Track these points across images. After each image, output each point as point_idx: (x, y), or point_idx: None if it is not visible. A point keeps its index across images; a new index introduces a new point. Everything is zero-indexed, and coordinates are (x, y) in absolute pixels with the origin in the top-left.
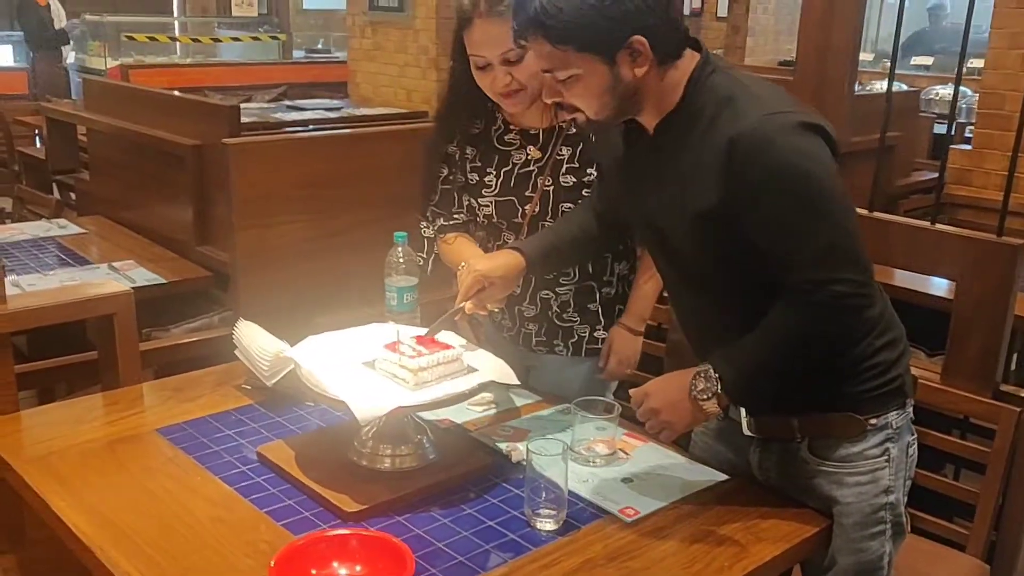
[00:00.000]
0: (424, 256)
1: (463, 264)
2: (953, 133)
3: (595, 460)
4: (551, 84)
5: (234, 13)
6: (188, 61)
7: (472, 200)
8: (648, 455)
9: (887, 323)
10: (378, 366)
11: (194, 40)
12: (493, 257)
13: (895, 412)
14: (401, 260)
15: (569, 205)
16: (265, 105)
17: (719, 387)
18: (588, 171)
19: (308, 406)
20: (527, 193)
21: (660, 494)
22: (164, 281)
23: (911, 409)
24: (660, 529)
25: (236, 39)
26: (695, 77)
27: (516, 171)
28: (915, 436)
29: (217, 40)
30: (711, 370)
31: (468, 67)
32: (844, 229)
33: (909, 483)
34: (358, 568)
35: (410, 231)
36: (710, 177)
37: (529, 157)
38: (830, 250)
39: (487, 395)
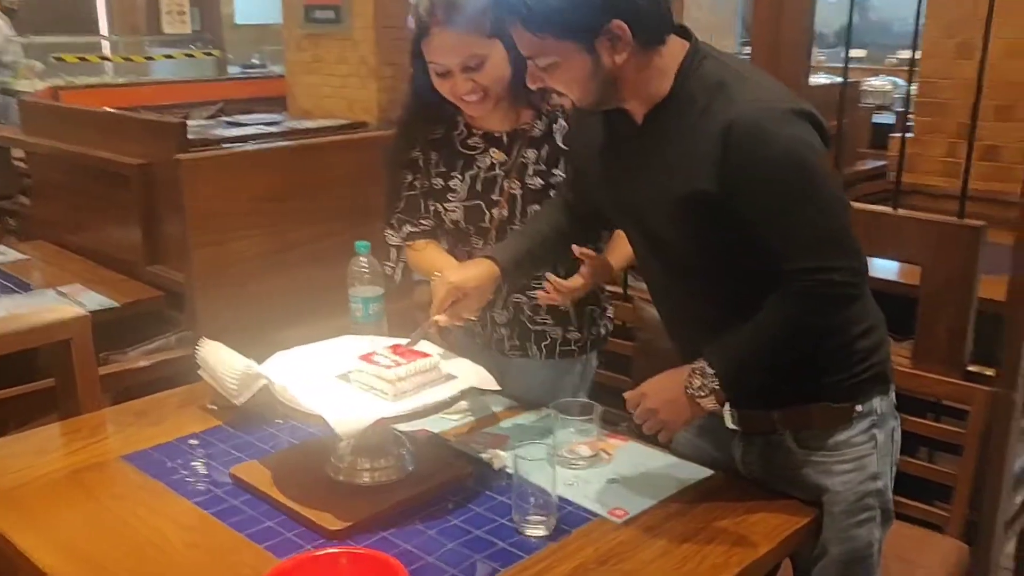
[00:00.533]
0: (392, 264)
1: (436, 274)
2: (896, 122)
3: (578, 462)
4: (533, 70)
5: (165, 30)
6: (121, 81)
7: (438, 206)
8: (630, 454)
9: (866, 310)
10: (353, 378)
11: (126, 59)
12: (466, 267)
13: (878, 398)
14: (365, 270)
15: (537, 207)
16: (203, 122)
17: (716, 383)
18: (554, 172)
19: (278, 423)
20: (494, 197)
21: (647, 493)
22: (116, 304)
23: (893, 394)
24: (650, 529)
25: (169, 56)
26: (685, 65)
27: (482, 175)
28: (898, 420)
29: (150, 58)
30: (706, 366)
31: (427, 73)
32: (839, 217)
33: (895, 468)
34: None
35: (370, 240)
36: (704, 164)
37: (493, 160)
38: (826, 238)
39: (463, 403)
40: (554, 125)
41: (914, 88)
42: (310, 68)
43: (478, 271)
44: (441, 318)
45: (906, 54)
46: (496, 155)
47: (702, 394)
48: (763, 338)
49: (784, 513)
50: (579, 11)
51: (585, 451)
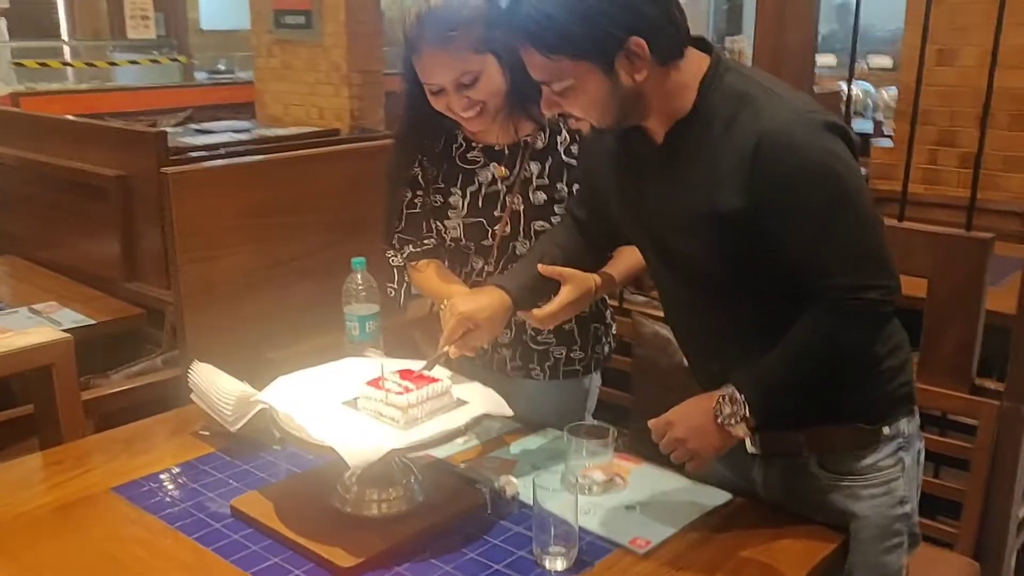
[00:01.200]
0: (395, 287)
1: (444, 303)
2: (875, 129)
3: (593, 487)
4: (549, 96)
5: (129, 36)
6: (84, 87)
7: (438, 223)
8: (645, 478)
9: (892, 328)
10: (361, 405)
11: (89, 64)
12: (476, 296)
13: (905, 419)
14: (360, 287)
15: (541, 223)
16: (171, 130)
17: (747, 410)
18: (558, 186)
19: (275, 450)
20: (496, 213)
21: (667, 520)
22: (93, 322)
23: (918, 415)
24: (676, 559)
25: (134, 62)
26: (708, 79)
27: (483, 191)
28: (923, 442)
29: (113, 64)
30: (736, 392)
31: (420, 88)
32: (875, 234)
33: (918, 491)
34: None
35: (363, 255)
36: (733, 179)
37: (495, 176)
38: (864, 255)
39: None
40: (557, 137)
41: (878, 94)
42: (279, 75)
43: (489, 301)
44: (451, 349)
45: (879, 60)
46: (497, 170)
47: (732, 422)
48: (795, 360)
49: (810, 539)
50: (594, 29)
51: (599, 476)
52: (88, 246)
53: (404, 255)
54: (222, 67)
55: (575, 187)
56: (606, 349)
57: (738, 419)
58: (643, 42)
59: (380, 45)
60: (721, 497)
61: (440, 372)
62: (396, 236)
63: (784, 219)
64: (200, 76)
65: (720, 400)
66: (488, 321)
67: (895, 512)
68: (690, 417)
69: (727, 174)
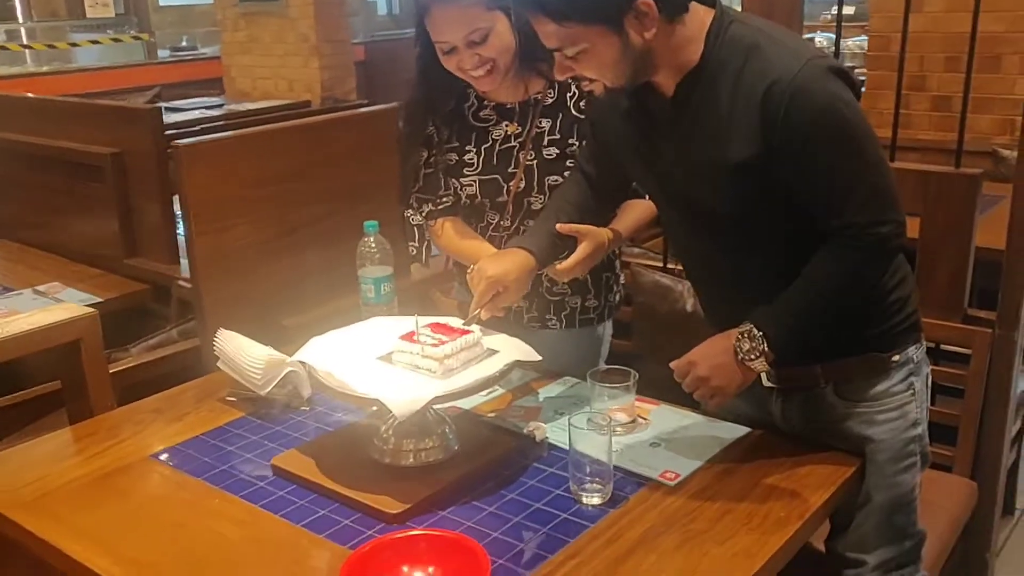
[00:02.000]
0: (416, 245)
1: (472, 268)
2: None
3: (617, 429)
4: (561, 61)
5: (88, 15)
6: (46, 69)
7: (454, 181)
8: (666, 417)
9: (898, 261)
10: (396, 359)
11: (49, 46)
12: (502, 259)
13: (914, 346)
14: (374, 250)
15: (555, 178)
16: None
17: (765, 344)
18: (570, 141)
19: (303, 411)
20: (510, 170)
21: (692, 454)
22: (99, 299)
23: (924, 342)
24: (706, 489)
25: (95, 42)
26: (714, 31)
27: (497, 148)
28: (929, 368)
29: (75, 45)
30: (754, 329)
31: (433, 50)
32: (884, 172)
33: (927, 414)
34: (431, 570)
35: (375, 218)
36: (746, 128)
37: (508, 132)
38: (874, 193)
39: None
40: (567, 93)
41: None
42: (246, 48)
43: (516, 263)
44: (482, 312)
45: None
46: (510, 127)
47: (752, 357)
48: (812, 295)
49: (830, 464)
50: None
51: (623, 417)
52: (84, 225)
53: (423, 214)
54: (184, 43)
55: (583, 143)
56: (616, 298)
57: (757, 354)
58: (651, 1)
59: (347, 15)
60: (740, 431)
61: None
62: (414, 196)
63: (796, 163)
64: (163, 54)
65: (739, 337)
66: (516, 283)
67: (909, 434)
68: (711, 356)
69: (738, 123)
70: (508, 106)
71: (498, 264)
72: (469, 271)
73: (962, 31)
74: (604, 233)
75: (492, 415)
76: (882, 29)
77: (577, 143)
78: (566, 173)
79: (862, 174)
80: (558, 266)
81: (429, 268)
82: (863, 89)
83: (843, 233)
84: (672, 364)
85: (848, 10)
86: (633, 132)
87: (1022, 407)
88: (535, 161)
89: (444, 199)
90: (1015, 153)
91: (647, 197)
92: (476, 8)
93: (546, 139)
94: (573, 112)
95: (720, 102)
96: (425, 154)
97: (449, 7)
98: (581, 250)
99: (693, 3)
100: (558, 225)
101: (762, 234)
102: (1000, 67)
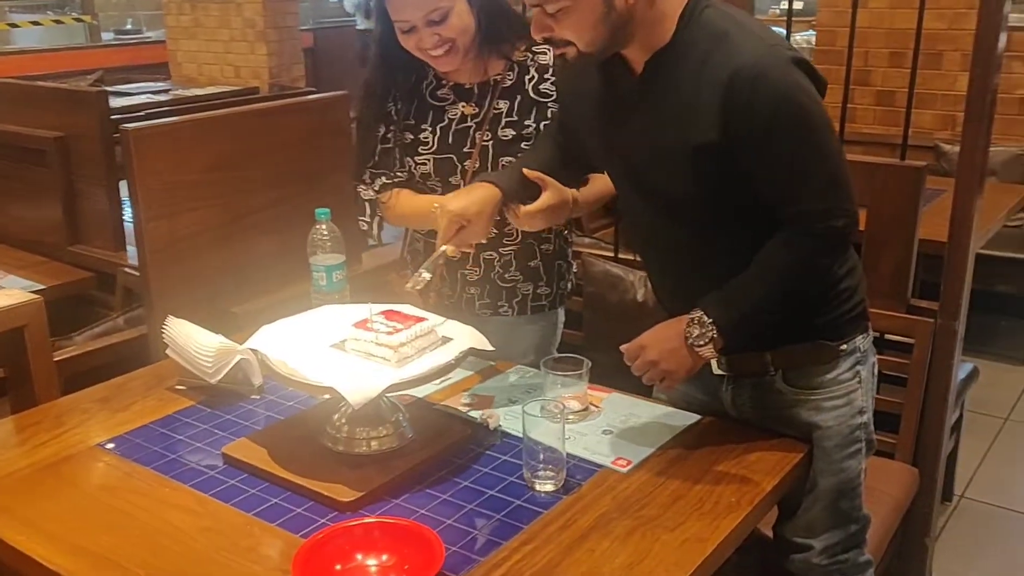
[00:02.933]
0: (367, 219)
1: (436, 206)
2: None
3: (570, 416)
4: (540, 18)
5: None
6: None
7: (408, 159)
8: (617, 405)
9: (849, 251)
10: (350, 347)
11: None
12: (466, 193)
13: (861, 336)
14: (326, 237)
15: (509, 159)
16: (82, 87)
17: (714, 331)
18: (527, 123)
19: (254, 399)
20: (465, 150)
21: (644, 441)
22: (42, 287)
23: (871, 332)
24: (658, 475)
25: (36, 23)
26: (688, 12)
27: (453, 127)
28: (876, 357)
29: (14, 25)
30: (703, 315)
31: (392, 28)
32: (840, 163)
33: (873, 402)
34: (384, 558)
35: (326, 205)
36: (708, 113)
37: (464, 113)
38: (830, 182)
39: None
40: (525, 76)
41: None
42: (190, 33)
43: (480, 196)
44: (449, 248)
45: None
46: (467, 108)
47: (701, 343)
48: (765, 282)
49: (779, 450)
50: None
51: (575, 405)
52: (26, 211)
53: (376, 188)
54: (129, 26)
55: (544, 123)
56: (569, 285)
57: (706, 340)
58: None
59: (296, 1)
60: (691, 418)
61: (417, 312)
62: (367, 171)
63: (756, 150)
64: (106, 36)
65: (690, 323)
66: (479, 216)
67: (855, 422)
68: (662, 341)
69: (701, 108)
70: (467, 87)
71: (461, 198)
72: (433, 209)
73: (906, 27)
74: (568, 191)
75: (445, 403)
76: (829, 23)
77: (534, 125)
78: (520, 155)
79: (819, 163)
80: (521, 209)
81: (381, 244)
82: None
83: (797, 220)
84: (622, 347)
85: (797, 5)
86: (600, 109)
87: (961, 395)
88: (491, 142)
89: (399, 174)
90: (956, 148)
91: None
92: None
93: (503, 120)
94: (531, 95)
95: (685, 85)
96: (383, 130)
97: None
98: (545, 198)
99: None
100: (525, 170)
101: (718, 219)
102: (942, 64)
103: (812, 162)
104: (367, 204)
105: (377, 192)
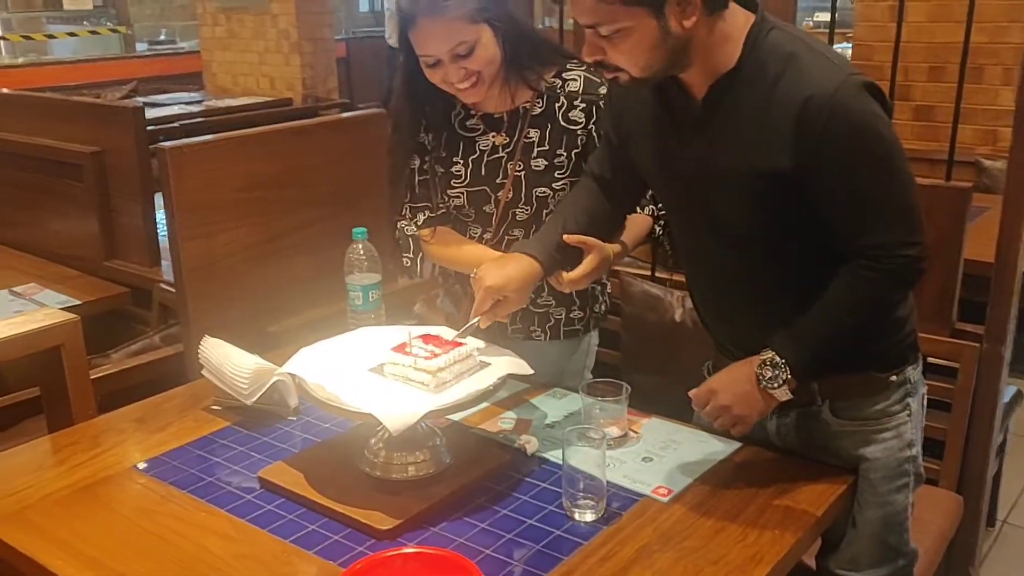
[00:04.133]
0: (411, 256)
1: (475, 273)
2: None
3: (609, 442)
4: (593, 41)
5: (66, 6)
6: (21, 61)
7: (442, 193)
8: (657, 431)
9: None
10: (388, 371)
11: (25, 38)
12: (503, 266)
13: (911, 366)
14: (363, 257)
15: (543, 189)
16: (118, 102)
17: (788, 372)
18: (558, 152)
19: (290, 420)
20: (498, 180)
21: (685, 469)
22: (78, 302)
23: (922, 362)
24: (700, 505)
25: (72, 34)
26: (754, 34)
27: (485, 159)
28: (926, 388)
29: (51, 36)
30: (776, 356)
31: (417, 59)
32: (912, 193)
33: (922, 433)
34: None
35: (364, 225)
36: (780, 138)
37: (495, 143)
38: (904, 213)
39: None
40: (555, 103)
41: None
42: (225, 44)
43: (519, 271)
44: (482, 321)
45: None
46: (497, 138)
47: (775, 385)
48: (834, 320)
49: (823, 481)
50: None
51: (615, 431)
52: (61, 225)
53: (419, 222)
54: (163, 37)
55: (575, 152)
56: (602, 308)
57: (780, 382)
58: None
59: (330, 12)
60: (733, 445)
61: (450, 334)
62: (407, 206)
63: (828, 179)
64: (141, 47)
65: (762, 364)
66: (517, 292)
67: (904, 455)
68: (733, 384)
69: (772, 133)
70: (495, 116)
71: (499, 272)
72: (473, 275)
73: (945, 41)
74: (610, 247)
75: (482, 427)
76: (866, 38)
77: (565, 154)
78: (554, 184)
79: (894, 194)
80: (564, 276)
81: (422, 279)
82: None
83: (868, 254)
84: (691, 393)
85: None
86: (658, 133)
87: (1005, 419)
88: (523, 172)
89: (441, 206)
90: (998, 164)
91: (649, 209)
92: (460, 22)
93: (535, 150)
94: (561, 123)
95: (754, 109)
96: (418, 162)
97: (434, 21)
98: (588, 262)
99: (734, 5)
100: (565, 236)
101: (778, 249)
102: (983, 78)
103: (886, 194)
104: (410, 240)
105: (421, 226)
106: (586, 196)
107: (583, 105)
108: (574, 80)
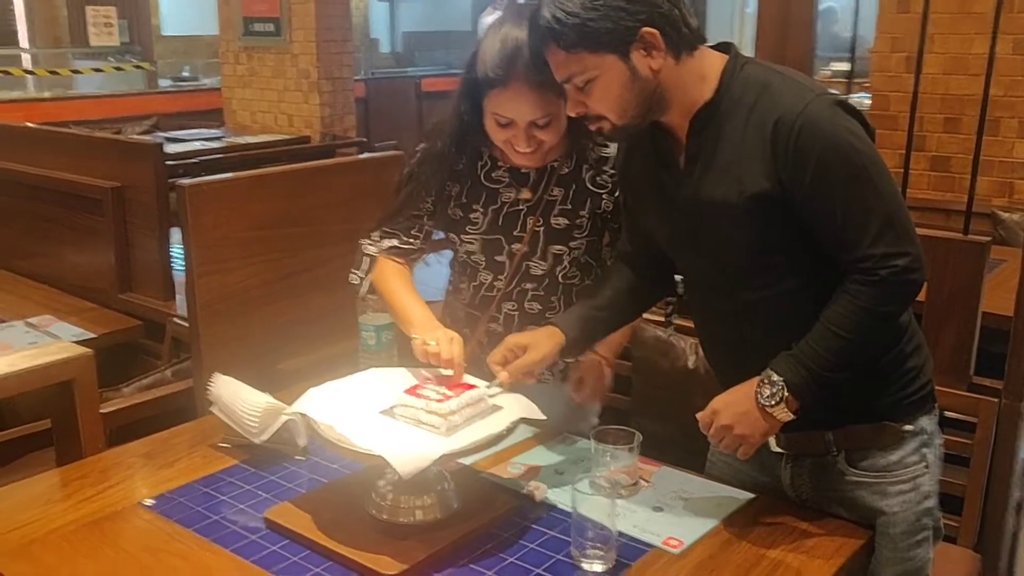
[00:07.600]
0: (362, 275)
1: (413, 337)
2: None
3: (620, 491)
4: (573, 96)
5: (92, 43)
6: (46, 95)
7: (455, 236)
8: (668, 480)
9: (913, 328)
10: (399, 413)
11: (52, 72)
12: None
13: (927, 417)
14: (376, 297)
15: (559, 247)
16: (137, 138)
17: (785, 390)
18: (581, 213)
19: (298, 460)
20: (515, 232)
21: (697, 520)
22: (93, 335)
23: (938, 413)
24: (712, 558)
25: (97, 70)
26: (729, 69)
27: (505, 210)
28: (942, 439)
29: (77, 72)
30: (772, 374)
31: (479, 113)
32: (896, 202)
33: (939, 485)
34: None
35: None
36: (759, 163)
37: (519, 197)
38: (889, 223)
39: None
40: (584, 165)
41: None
42: (245, 82)
43: (548, 344)
44: (504, 377)
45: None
46: (523, 193)
47: (772, 403)
48: (829, 337)
49: (839, 535)
50: (609, 21)
51: (625, 479)
52: (79, 258)
53: (382, 247)
54: (186, 73)
55: (597, 212)
56: None
57: (777, 400)
58: (656, 32)
59: (350, 52)
60: (745, 496)
61: (472, 379)
62: (383, 228)
63: (808, 195)
64: (164, 83)
65: (760, 383)
66: (540, 361)
67: (921, 507)
68: (733, 404)
69: (750, 158)
70: (523, 171)
71: (530, 349)
72: (412, 340)
73: (960, 93)
74: (602, 360)
75: (491, 471)
76: (883, 88)
77: (587, 216)
78: (571, 243)
79: (875, 205)
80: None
81: (365, 302)
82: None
83: (859, 268)
84: (697, 415)
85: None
86: (655, 184)
87: None
88: (543, 228)
89: (411, 241)
90: (1015, 216)
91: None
92: (552, 95)
93: (557, 208)
94: (587, 185)
95: (733, 137)
96: (429, 203)
97: (531, 90)
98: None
99: (705, 48)
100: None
101: (771, 272)
102: (999, 130)
103: (867, 204)
104: (367, 259)
105: (379, 252)
106: (616, 272)
107: (612, 171)
108: (607, 145)
